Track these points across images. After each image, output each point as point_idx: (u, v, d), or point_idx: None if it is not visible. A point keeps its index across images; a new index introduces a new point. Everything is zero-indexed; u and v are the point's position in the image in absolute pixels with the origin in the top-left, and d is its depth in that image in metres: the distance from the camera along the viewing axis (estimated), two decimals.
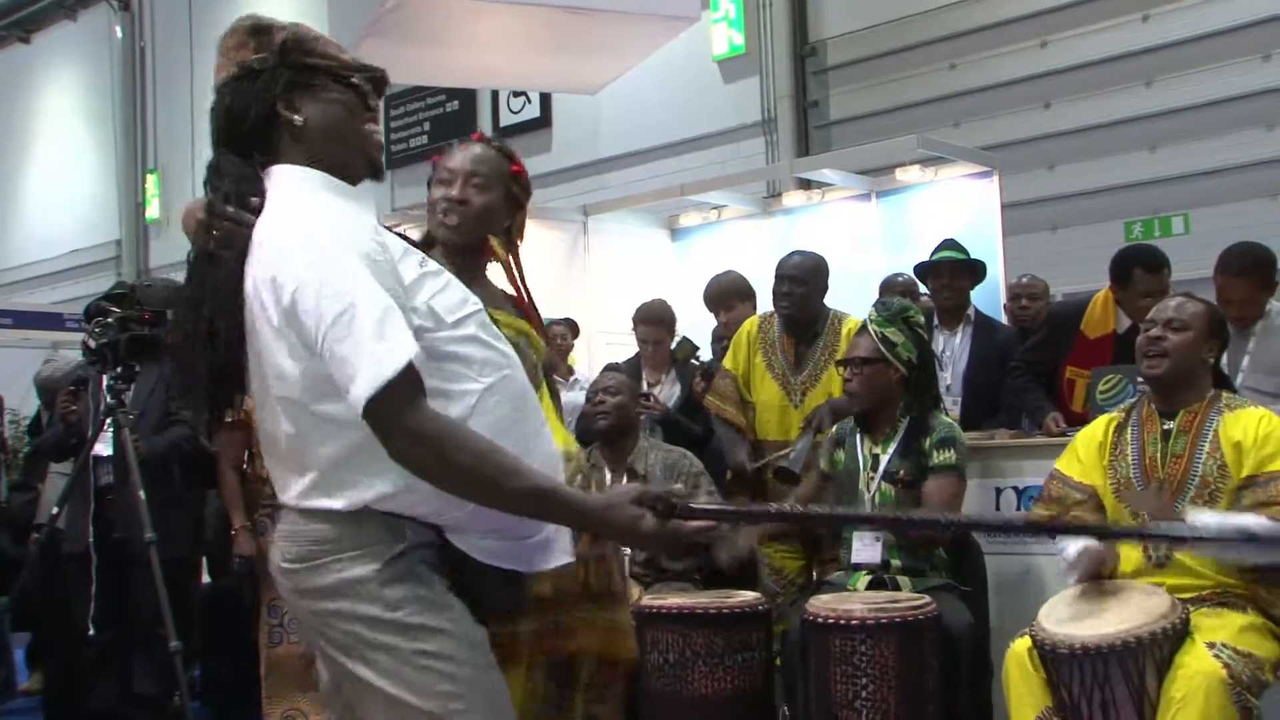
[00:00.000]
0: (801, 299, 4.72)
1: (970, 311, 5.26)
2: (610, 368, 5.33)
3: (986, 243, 6.17)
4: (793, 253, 4.89)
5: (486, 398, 2.04)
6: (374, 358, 1.86)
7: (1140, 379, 3.85)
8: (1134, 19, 8.11)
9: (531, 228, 8.50)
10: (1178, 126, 7.87)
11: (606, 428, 4.61)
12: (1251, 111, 7.63)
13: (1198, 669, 2.99)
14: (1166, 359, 3.45)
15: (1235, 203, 7.47)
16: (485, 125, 11.89)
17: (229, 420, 4.85)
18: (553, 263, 7.88)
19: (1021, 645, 3.26)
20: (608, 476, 4.59)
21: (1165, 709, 3.01)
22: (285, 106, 2.08)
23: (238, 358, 2.06)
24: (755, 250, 6.75)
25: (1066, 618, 3.21)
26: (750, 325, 4.91)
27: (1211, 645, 3.04)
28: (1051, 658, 3.13)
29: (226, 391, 2.11)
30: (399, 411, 1.88)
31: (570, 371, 6.85)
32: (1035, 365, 4.85)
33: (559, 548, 2.21)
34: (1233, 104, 7.65)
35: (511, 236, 3.06)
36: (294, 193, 2.05)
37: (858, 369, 4.10)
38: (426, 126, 12.33)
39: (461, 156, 2.96)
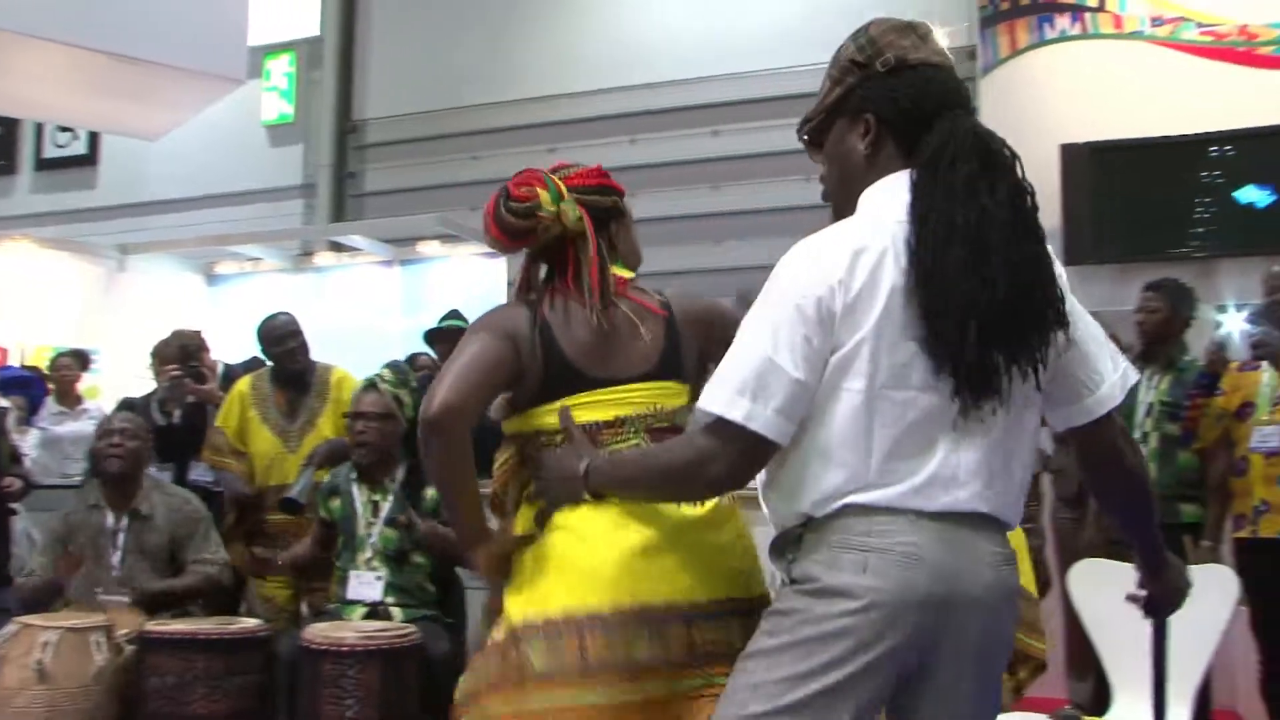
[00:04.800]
0: (306, 348, 4.66)
1: None
2: (125, 403, 4.99)
3: None
4: (276, 314, 4.76)
5: None
6: None
7: None
8: (623, 140, 8.66)
9: (66, 260, 7.85)
10: (650, 233, 8.40)
11: (118, 470, 4.24)
12: (706, 229, 8.33)
13: None
14: None
15: None
16: (27, 155, 10.77)
17: None
18: (86, 296, 7.30)
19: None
20: (109, 517, 4.23)
21: None
22: None
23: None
24: (287, 302, 6.54)
25: None
26: (243, 384, 4.74)
27: None
28: None
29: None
30: None
31: (79, 401, 6.36)
32: None
33: None
34: (693, 221, 8.31)
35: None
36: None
37: (373, 422, 4.06)
38: None
39: None
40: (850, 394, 1.64)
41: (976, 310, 1.61)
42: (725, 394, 1.65)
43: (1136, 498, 1.88)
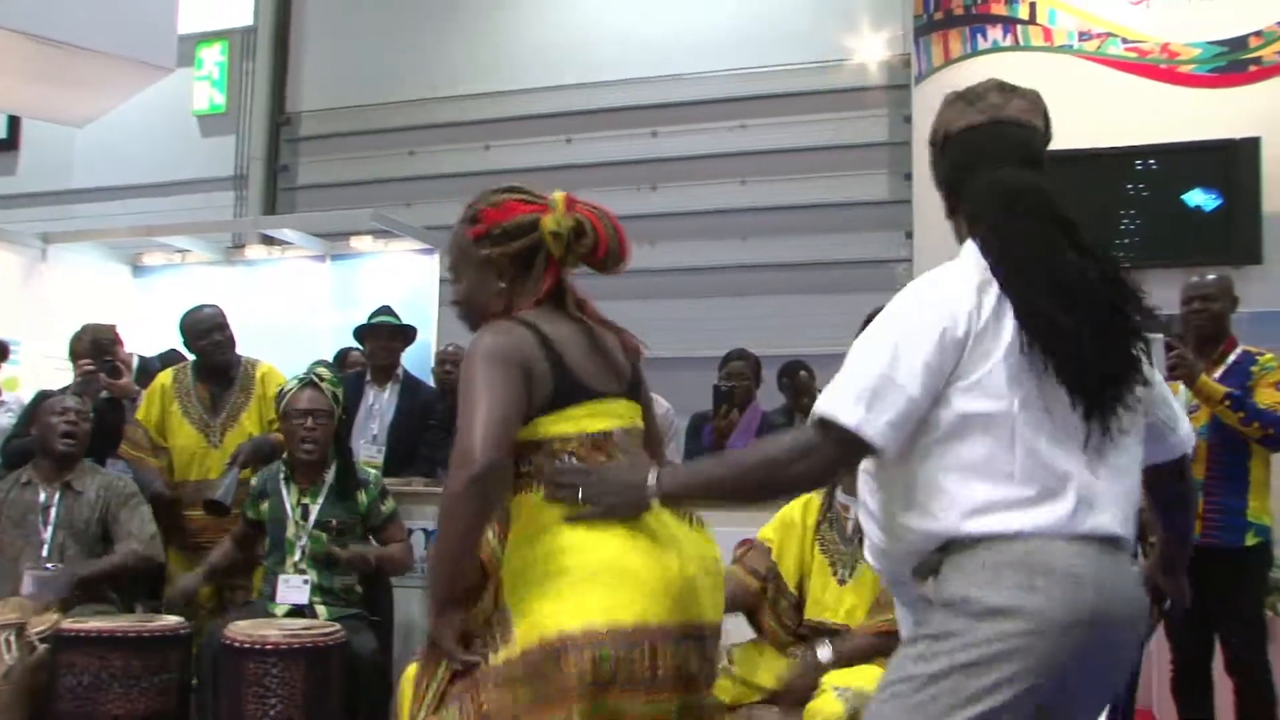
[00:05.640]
0: (232, 342, 4.59)
1: (400, 371, 5.30)
2: (42, 395, 4.86)
3: (423, 311, 6.26)
4: (200, 306, 4.68)
5: None
6: None
7: None
8: (559, 139, 8.64)
9: None
10: None
11: (68, 449, 4.22)
12: (641, 229, 8.33)
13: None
14: None
15: (625, 300, 8.04)
16: None
17: None
18: (5, 285, 7.10)
19: (413, 669, 3.29)
20: (41, 493, 4.17)
21: None
22: None
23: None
24: (216, 295, 6.45)
25: None
26: (164, 377, 4.64)
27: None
28: None
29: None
30: None
31: None
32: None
33: None
34: (629, 220, 8.31)
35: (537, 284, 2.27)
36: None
37: (321, 420, 4.01)
38: None
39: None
40: (988, 417, 1.74)
41: (1080, 342, 1.74)
42: (841, 400, 1.76)
43: (1190, 517, 2.18)
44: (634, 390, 2.31)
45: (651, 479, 1.95)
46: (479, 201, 2.32)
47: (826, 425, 1.77)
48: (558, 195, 2.27)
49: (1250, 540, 3.96)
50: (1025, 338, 1.74)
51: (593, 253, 2.24)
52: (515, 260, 2.24)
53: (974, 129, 1.94)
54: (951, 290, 1.80)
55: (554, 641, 1.97)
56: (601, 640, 1.96)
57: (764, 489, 1.92)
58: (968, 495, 1.72)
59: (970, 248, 1.86)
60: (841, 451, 1.77)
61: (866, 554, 1.97)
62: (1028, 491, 1.71)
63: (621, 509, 2.02)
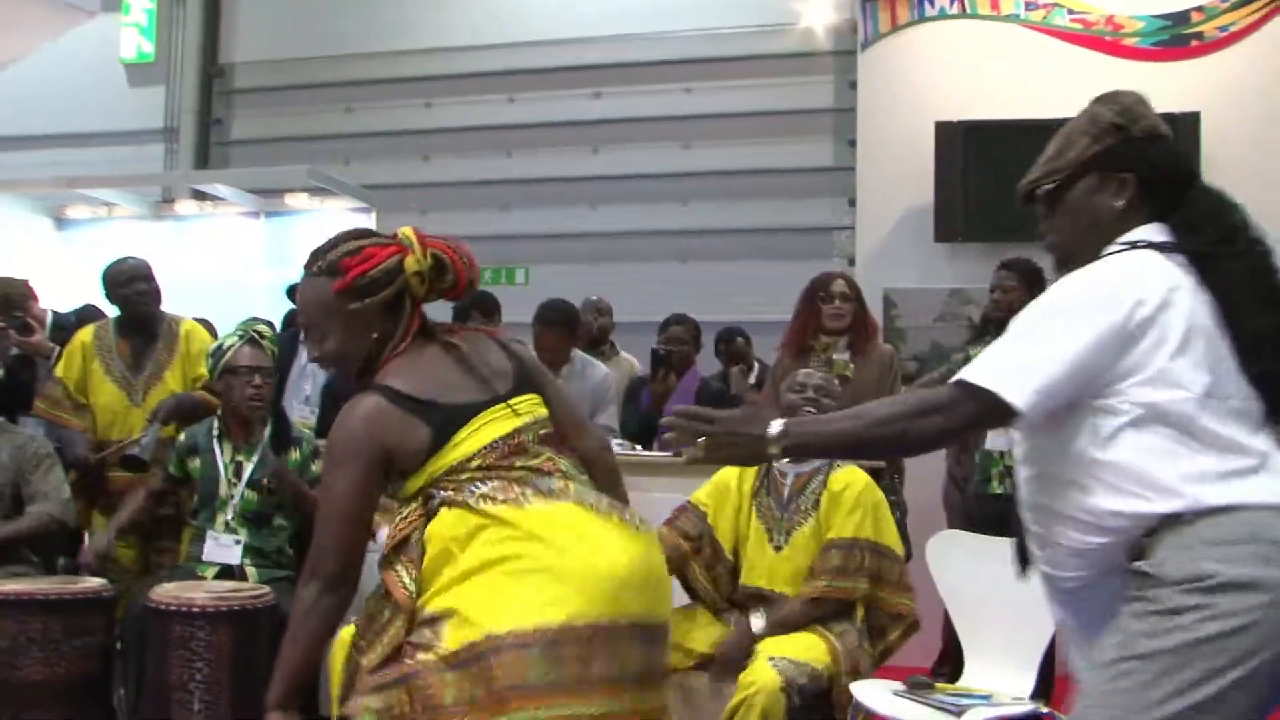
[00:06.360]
0: (157, 295, 4.48)
1: None
2: None
3: None
4: (125, 257, 4.55)
5: None
6: None
7: None
8: (501, 98, 8.54)
9: None
10: (528, 193, 8.35)
11: None
12: (583, 191, 8.28)
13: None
14: None
15: (566, 263, 8.03)
16: None
17: None
18: None
19: (347, 633, 3.26)
20: None
21: None
22: None
23: None
24: (145, 251, 6.33)
25: None
26: (85, 334, 4.50)
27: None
28: None
29: None
30: None
31: None
32: None
33: None
34: (571, 183, 8.26)
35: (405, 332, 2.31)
36: None
37: (268, 377, 3.96)
38: None
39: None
40: (1173, 406, 1.76)
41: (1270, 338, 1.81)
42: (988, 367, 1.81)
43: None
44: (525, 384, 2.32)
45: (774, 430, 1.90)
46: (333, 252, 2.29)
47: (968, 386, 1.81)
48: (407, 231, 2.28)
49: None
50: (1232, 335, 1.80)
51: (454, 287, 2.30)
52: (384, 309, 2.25)
53: (1172, 140, 2.02)
54: (1138, 284, 1.81)
55: (481, 645, 2.00)
56: (528, 643, 1.98)
57: (895, 440, 1.92)
58: (1176, 470, 1.74)
59: (1153, 238, 1.89)
60: (981, 411, 1.81)
61: (1044, 567, 1.92)
62: (1236, 464, 1.74)
63: (739, 458, 2.00)
